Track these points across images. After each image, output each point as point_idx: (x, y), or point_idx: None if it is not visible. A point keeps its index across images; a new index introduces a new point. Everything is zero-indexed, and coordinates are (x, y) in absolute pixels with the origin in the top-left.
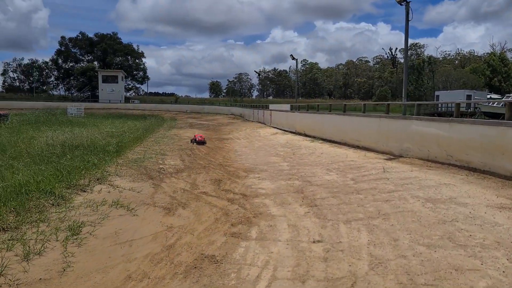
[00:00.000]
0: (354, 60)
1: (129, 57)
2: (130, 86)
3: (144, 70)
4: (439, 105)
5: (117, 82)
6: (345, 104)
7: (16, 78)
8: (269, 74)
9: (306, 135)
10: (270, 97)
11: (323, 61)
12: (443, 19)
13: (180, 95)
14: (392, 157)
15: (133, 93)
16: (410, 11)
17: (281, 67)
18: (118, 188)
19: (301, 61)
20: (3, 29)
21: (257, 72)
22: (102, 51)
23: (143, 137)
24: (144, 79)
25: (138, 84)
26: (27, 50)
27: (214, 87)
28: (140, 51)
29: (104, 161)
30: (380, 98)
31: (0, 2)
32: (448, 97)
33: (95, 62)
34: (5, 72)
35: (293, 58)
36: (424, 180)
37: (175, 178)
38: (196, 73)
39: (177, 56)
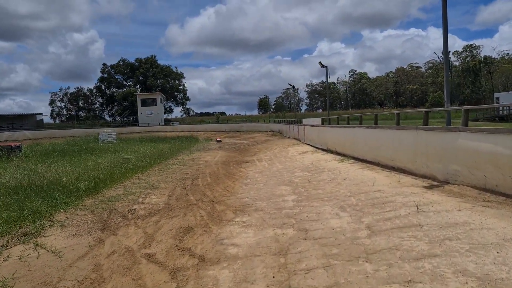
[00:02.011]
0: (405, 67)
1: (169, 78)
2: (171, 107)
3: (184, 91)
4: (500, 107)
5: (155, 105)
6: (376, 115)
7: (63, 107)
8: (317, 87)
9: (337, 153)
10: (319, 110)
11: (372, 70)
12: (497, 19)
13: (230, 114)
14: (434, 183)
15: (184, 114)
16: None
17: (330, 79)
18: (39, 251)
19: (349, 71)
20: (63, 62)
21: (291, 85)
22: (142, 75)
23: (151, 164)
24: (185, 100)
25: (178, 105)
26: (85, 79)
27: (263, 104)
28: (179, 72)
29: (62, 204)
30: (434, 104)
31: (60, 37)
32: (510, 98)
33: (137, 86)
34: (52, 102)
35: (322, 66)
36: (478, 229)
37: (136, 226)
38: (245, 91)
39: (226, 75)
